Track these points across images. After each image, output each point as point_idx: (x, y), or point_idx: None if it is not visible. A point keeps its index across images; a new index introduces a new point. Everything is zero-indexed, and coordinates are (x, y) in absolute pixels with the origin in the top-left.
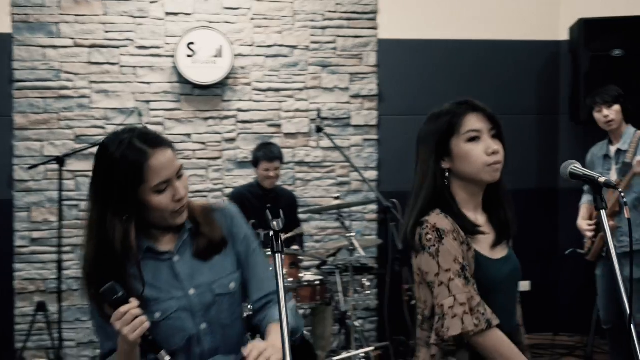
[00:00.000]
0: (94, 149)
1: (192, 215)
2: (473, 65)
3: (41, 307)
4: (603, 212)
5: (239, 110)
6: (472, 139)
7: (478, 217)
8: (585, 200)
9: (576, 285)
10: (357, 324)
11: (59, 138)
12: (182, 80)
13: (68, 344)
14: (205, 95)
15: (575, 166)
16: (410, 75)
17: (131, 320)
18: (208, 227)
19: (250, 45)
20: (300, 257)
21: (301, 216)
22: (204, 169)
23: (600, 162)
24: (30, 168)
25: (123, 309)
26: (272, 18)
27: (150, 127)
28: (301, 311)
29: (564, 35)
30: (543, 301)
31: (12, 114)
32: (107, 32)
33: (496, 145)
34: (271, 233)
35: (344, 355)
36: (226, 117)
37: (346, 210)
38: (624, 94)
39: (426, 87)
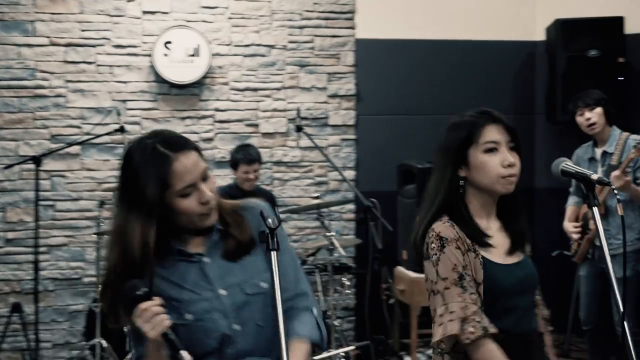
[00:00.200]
0: (70, 149)
1: (221, 216)
2: (450, 65)
3: (16, 308)
4: (595, 210)
5: (217, 109)
6: (490, 150)
7: (490, 225)
8: (572, 202)
9: (552, 286)
10: (336, 323)
11: (35, 138)
12: (159, 79)
13: (44, 345)
14: (182, 94)
15: (566, 164)
16: (387, 75)
17: (151, 317)
18: (237, 228)
19: (227, 45)
20: None
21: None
22: None
23: (585, 164)
24: (5, 168)
25: (143, 305)
26: (250, 17)
27: (127, 126)
28: None
29: (540, 35)
30: None
31: None
32: (83, 30)
33: (513, 158)
34: (267, 231)
35: (324, 354)
36: (203, 117)
37: (325, 209)
38: (606, 97)
39: (404, 87)
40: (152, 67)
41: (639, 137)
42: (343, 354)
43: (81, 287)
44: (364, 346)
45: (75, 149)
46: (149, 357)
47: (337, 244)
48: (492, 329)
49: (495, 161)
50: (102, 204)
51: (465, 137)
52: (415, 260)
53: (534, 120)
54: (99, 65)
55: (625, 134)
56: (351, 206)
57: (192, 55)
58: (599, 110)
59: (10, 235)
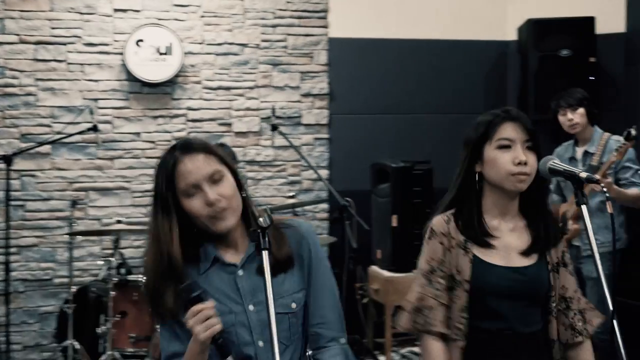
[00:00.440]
0: (41, 148)
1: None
2: (423, 64)
3: None
4: (584, 208)
5: (189, 108)
6: (503, 147)
7: (502, 224)
8: (550, 201)
9: None
10: None
11: (4, 137)
12: (131, 78)
13: (14, 347)
14: (154, 93)
15: (554, 162)
16: (361, 74)
17: (204, 319)
18: (276, 244)
19: (200, 43)
20: None
21: None
22: (153, 168)
23: (565, 163)
24: None
25: (197, 307)
26: (223, 16)
27: (99, 125)
28: None
29: (512, 35)
30: None
31: None
32: (53, 28)
33: (525, 157)
34: (258, 230)
35: None
36: (176, 116)
37: (299, 209)
38: (589, 96)
39: (377, 86)
40: (124, 66)
41: (620, 137)
42: None
43: (52, 288)
44: None
45: (45, 148)
46: (188, 357)
47: None
48: (437, 329)
49: (507, 158)
50: (74, 203)
51: (482, 133)
52: (389, 260)
53: None
54: (69, 64)
55: (607, 134)
56: (324, 205)
57: (164, 54)
58: (581, 110)
59: None
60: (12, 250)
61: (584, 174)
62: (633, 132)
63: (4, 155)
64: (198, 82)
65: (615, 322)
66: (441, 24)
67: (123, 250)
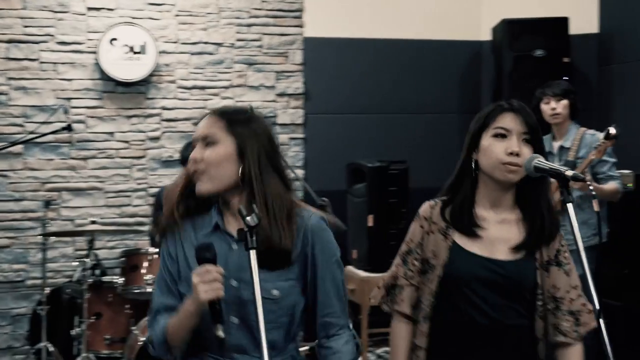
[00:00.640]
0: (13, 148)
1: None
2: (397, 64)
3: None
4: (570, 206)
5: (164, 108)
6: (498, 135)
7: (491, 215)
8: None
9: None
10: None
11: None
12: (105, 77)
13: None
14: (128, 92)
15: (539, 160)
16: (336, 73)
17: (210, 281)
18: (279, 233)
19: (174, 42)
20: None
21: None
22: (127, 168)
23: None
24: None
25: (208, 267)
26: (197, 15)
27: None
28: None
29: (486, 35)
30: None
31: None
32: (26, 26)
33: (519, 148)
34: (245, 229)
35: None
36: (150, 115)
37: None
38: (575, 90)
39: (352, 85)
40: (98, 65)
41: (596, 132)
42: None
43: (24, 290)
44: (314, 347)
45: (17, 148)
46: (181, 314)
47: None
48: (400, 308)
49: (501, 147)
50: (47, 204)
51: (482, 122)
52: (365, 260)
53: None
54: (42, 63)
55: (582, 129)
56: None
57: (138, 53)
58: (565, 102)
59: None
60: None
61: (570, 172)
62: (612, 131)
63: None
64: (172, 82)
65: (601, 320)
66: (416, 24)
67: (97, 252)
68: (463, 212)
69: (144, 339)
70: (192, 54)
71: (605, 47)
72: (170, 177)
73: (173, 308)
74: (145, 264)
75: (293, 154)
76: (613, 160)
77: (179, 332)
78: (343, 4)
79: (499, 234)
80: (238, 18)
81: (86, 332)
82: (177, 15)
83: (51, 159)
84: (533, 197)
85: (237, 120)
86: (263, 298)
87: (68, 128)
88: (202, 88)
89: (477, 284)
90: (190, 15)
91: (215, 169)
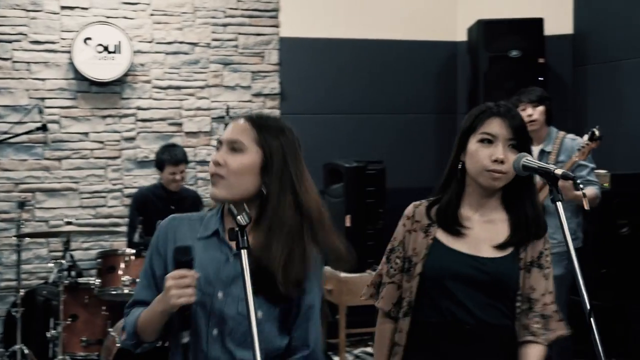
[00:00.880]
0: None
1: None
2: (373, 64)
3: None
4: (559, 205)
5: (139, 108)
6: (484, 141)
7: (476, 216)
8: None
9: None
10: None
11: None
12: (79, 76)
13: None
14: (103, 92)
15: (527, 159)
16: (312, 74)
17: (183, 286)
18: (290, 262)
19: (149, 42)
20: None
21: None
22: (102, 168)
23: None
24: None
25: (183, 272)
26: (172, 14)
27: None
28: None
29: (462, 36)
30: None
31: None
32: None
33: (504, 156)
34: (236, 228)
35: None
36: (125, 116)
37: None
38: (549, 96)
39: (328, 86)
40: (71, 64)
41: (576, 137)
42: None
43: None
44: None
45: None
46: (150, 311)
47: None
48: (383, 306)
49: (486, 153)
50: (21, 205)
51: (469, 124)
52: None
53: (455, 119)
54: (15, 62)
55: (562, 133)
56: None
57: (113, 52)
58: (541, 108)
59: None
60: None
61: (559, 171)
62: (597, 132)
63: None
64: (148, 82)
65: (593, 320)
66: (392, 25)
67: (72, 253)
68: (448, 212)
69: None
70: (168, 53)
71: (579, 48)
72: (145, 178)
73: (146, 303)
74: (122, 265)
75: None
76: (592, 165)
77: (148, 328)
78: (319, 4)
79: (483, 233)
80: (214, 18)
81: (62, 334)
82: (152, 15)
83: (25, 160)
84: (519, 197)
85: (269, 133)
86: (244, 316)
87: (43, 128)
88: (178, 88)
89: (460, 281)
90: (166, 15)
91: (236, 178)
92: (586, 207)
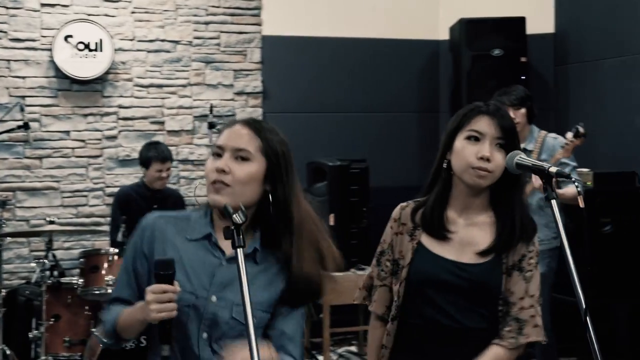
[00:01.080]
0: None
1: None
2: (356, 63)
3: None
4: (554, 202)
5: (120, 106)
6: (471, 138)
7: (461, 218)
8: None
9: None
10: None
11: None
12: (60, 74)
13: None
14: (84, 90)
15: (521, 157)
16: (294, 72)
17: (165, 300)
18: (307, 267)
19: (131, 40)
20: None
21: None
22: (83, 167)
23: None
24: None
25: (164, 286)
26: (154, 12)
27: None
28: None
29: (444, 34)
30: None
31: None
32: None
33: (490, 154)
34: (231, 227)
35: None
36: (107, 114)
37: None
38: (531, 96)
39: (310, 84)
40: (52, 62)
41: (557, 136)
42: None
43: None
44: None
45: None
46: (131, 317)
47: None
48: (374, 309)
49: (472, 150)
50: (2, 204)
51: (457, 122)
52: None
53: (438, 118)
54: None
55: (543, 132)
56: None
57: (94, 50)
58: (522, 111)
59: None
60: None
61: (553, 169)
62: (581, 129)
63: None
64: (129, 80)
65: (589, 319)
66: (374, 23)
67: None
68: (434, 215)
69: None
70: (149, 51)
71: (561, 47)
72: (127, 177)
73: (128, 302)
74: (106, 265)
75: None
76: (574, 164)
77: (127, 329)
78: (301, 2)
79: (468, 237)
80: (195, 15)
81: (45, 335)
82: (134, 12)
83: (5, 158)
84: (507, 199)
85: (271, 141)
86: (236, 321)
87: (25, 126)
88: (160, 86)
89: (441, 287)
90: (147, 13)
91: (242, 186)
92: (581, 205)
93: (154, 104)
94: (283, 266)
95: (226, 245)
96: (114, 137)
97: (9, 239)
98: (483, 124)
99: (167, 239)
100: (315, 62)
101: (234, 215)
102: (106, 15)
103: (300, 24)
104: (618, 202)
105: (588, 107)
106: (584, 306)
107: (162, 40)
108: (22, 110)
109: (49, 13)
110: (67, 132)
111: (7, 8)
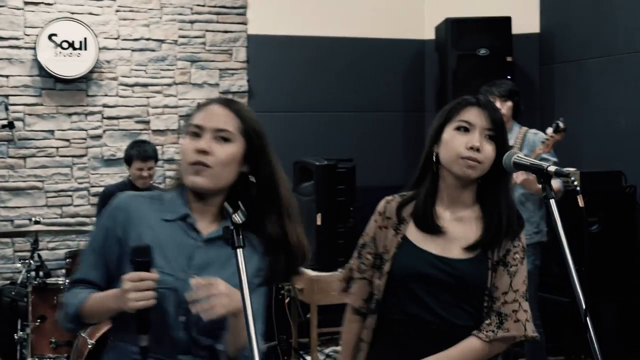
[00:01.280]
0: None
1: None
2: (342, 62)
3: None
4: (552, 202)
5: (105, 105)
6: (460, 129)
7: (448, 213)
8: None
9: None
10: None
11: None
12: (44, 73)
13: None
14: (68, 89)
15: (518, 156)
16: (280, 71)
17: (143, 289)
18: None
19: (115, 38)
20: None
21: None
22: (68, 167)
23: None
24: None
25: (143, 274)
26: (139, 10)
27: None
28: None
29: (430, 34)
30: None
31: None
32: None
33: (480, 144)
34: (231, 227)
35: None
36: (91, 113)
37: None
38: (519, 91)
39: (296, 83)
40: (36, 61)
41: (538, 132)
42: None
43: None
44: (272, 346)
45: None
46: (101, 305)
47: None
48: (351, 302)
49: (461, 140)
50: None
51: (446, 114)
52: (314, 259)
53: (424, 117)
54: None
55: (524, 128)
56: None
57: (79, 49)
58: (509, 104)
59: None
60: None
61: (552, 168)
62: (561, 124)
63: None
64: (114, 79)
65: (589, 319)
66: (360, 22)
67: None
68: (426, 210)
69: (92, 342)
70: (134, 50)
71: (546, 47)
72: (112, 176)
73: (93, 284)
74: None
75: None
76: (554, 159)
77: (93, 316)
78: (287, 1)
79: (455, 232)
80: (180, 14)
81: (30, 336)
82: (118, 11)
83: None
84: (494, 194)
85: (250, 122)
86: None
87: (10, 125)
88: (145, 85)
89: (424, 282)
90: (132, 11)
91: (222, 168)
92: (581, 204)
93: (139, 103)
94: (258, 245)
95: (202, 226)
96: (98, 137)
97: None
98: (473, 115)
99: (142, 220)
100: (300, 61)
101: (234, 215)
102: (90, 13)
103: (286, 23)
104: (605, 202)
105: (573, 106)
106: (584, 307)
107: (147, 39)
108: (6, 109)
109: (33, 11)
110: (52, 132)
111: None
